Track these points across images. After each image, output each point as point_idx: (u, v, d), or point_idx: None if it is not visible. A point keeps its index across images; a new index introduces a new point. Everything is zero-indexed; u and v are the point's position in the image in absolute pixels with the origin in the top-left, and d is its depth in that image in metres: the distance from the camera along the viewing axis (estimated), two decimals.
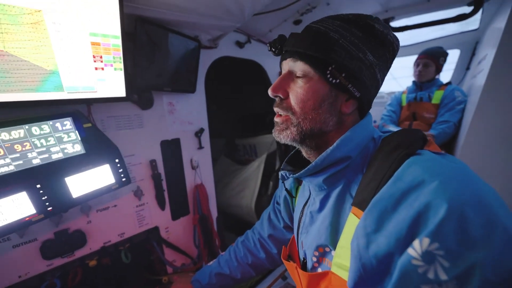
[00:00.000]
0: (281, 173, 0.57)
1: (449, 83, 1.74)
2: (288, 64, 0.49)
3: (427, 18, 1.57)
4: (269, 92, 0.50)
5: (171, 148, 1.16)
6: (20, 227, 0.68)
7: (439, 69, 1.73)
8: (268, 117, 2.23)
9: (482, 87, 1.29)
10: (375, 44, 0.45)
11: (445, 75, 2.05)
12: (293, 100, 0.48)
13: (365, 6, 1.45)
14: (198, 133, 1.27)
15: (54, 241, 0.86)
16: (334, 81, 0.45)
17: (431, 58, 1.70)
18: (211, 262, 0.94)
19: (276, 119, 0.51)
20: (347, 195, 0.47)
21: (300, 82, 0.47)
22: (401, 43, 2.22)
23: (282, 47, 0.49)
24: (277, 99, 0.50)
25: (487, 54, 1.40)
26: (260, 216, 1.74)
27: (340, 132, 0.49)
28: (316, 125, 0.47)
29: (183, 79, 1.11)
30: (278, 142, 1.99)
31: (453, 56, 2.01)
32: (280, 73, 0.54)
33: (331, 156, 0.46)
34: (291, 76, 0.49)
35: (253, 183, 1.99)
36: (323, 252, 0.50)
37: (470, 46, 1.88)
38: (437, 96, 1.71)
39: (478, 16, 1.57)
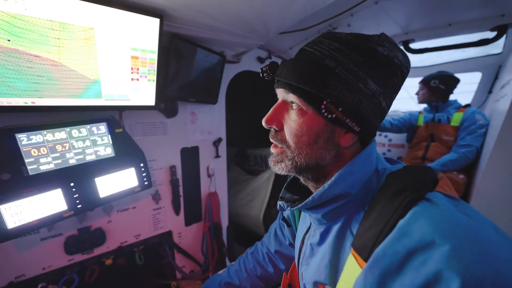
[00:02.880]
0: (279, 203, 0.54)
1: (468, 105, 1.71)
2: (282, 94, 0.46)
3: (449, 41, 1.58)
4: (263, 123, 0.47)
5: (190, 155, 1.21)
6: (53, 222, 0.74)
7: (434, 91, 1.76)
8: None
9: (506, 112, 1.26)
10: (379, 70, 0.40)
11: (465, 97, 2.02)
12: (287, 133, 0.45)
13: (385, 29, 1.48)
14: (216, 143, 1.32)
15: (77, 237, 0.90)
16: (329, 116, 0.41)
17: (422, 82, 1.82)
18: (221, 271, 0.95)
19: (272, 149, 0.49)
20: (347, 232, 0.44)
21: (293, 115, 0.44)
22: (421, 63, 2.23)
23: (273, 76, 0.47)
24: (272, 129, 0.48)
25: (511, 79, 1.37)
26: (267, 227, 1.74)
27: (338, 165, 0.45)
28: (311, 160, 0.44)
29: (207, 90, 1.17)
30: None
31: (475, 79, 1.98)
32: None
33: (329, 192, 0.43)
34: (285, 106, 0.46)
35: (263, 194, 2.00)
36: None
37: (493, 70, 1.85)
38: (456, 118, 1.68)
39: (501, 40, 1.56)
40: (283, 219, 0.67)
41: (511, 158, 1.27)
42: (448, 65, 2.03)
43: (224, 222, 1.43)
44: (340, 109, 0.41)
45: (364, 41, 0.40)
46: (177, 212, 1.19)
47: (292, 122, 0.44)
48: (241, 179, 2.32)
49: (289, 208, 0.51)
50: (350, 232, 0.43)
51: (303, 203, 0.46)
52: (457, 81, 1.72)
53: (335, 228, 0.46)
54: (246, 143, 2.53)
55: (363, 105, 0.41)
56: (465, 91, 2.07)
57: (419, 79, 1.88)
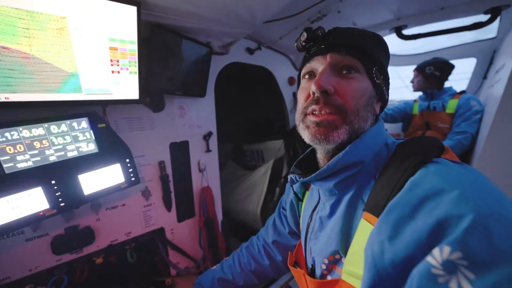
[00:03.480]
0: (290, 176, 0.56)
1: (463, 92, 1.69)
2: (333, 58, 0.46)
3: (442, 26, 1.54)
4: (314, 87, 0.44)
5: (179, 150, 1.19)
6: (34, 221, 0.71)
7: (429, 78, 1.73)
8: (277, 123, 2.24)
9: (500, 97, 1.24)
10: (387, 57, 0.52)
11: (460, 84, 1.99)
12: (345, 96, 0.44)
13: (377, 15, 1.45)
14: (207, 137, 1.29)
15: (64, 236, 0.88)
16: (377, 81, 0.47)
17: (416, 70, 1.80)
18: (214, 267, 0.94)
19: (316, 118, 0.45)
20: (359, 200, 0.46)
21: (351, 77, 0.46)
22: (415, 51, 2.20)
23: (325, 39, 0.47)
24: (322, 95, 0.45)
25: (505, 64, 1.35)
26: (265, 222, 1.73)
27: None
28: (363, 124, 0.46)
29: (194, 83, 1.14)
30: (286, 148, 1.99)
31: (469, 65, 1.96)
32: (298, 76, 0.55)
33: (344, 160, 0.45)
34: (335, 70, 0.46)
35: (260, 189, 1.99)
36: (333, 260, 0.48)
37: (488, 55, 1.83)
38: (451, 105, 1.66)
39: (495, 24, 1.53)
40: (294, 193, 0.66)
41: (505, 143, 1.26)
42: (442, 52, 2.01)
43: (219, 217, 1.42)
44: (381, 77, 0.49)
45: (378, 36, 0.51)
46: (168, 208, 1.17)
47: (352, 84, 0.46)
48: (238, 174, 2.30)
49: (301, 178, 0.52)
50: (361, 200, 0.45)
51: (317, 172, 0.47)
52: (452, 67, 1.69)
53: (346, 198, 0.47)
54: (242, 139, 2.51)
55: (388, 79, 0.51)
56: (460, 78, 2.05)
57: (413, 67, 1.86)
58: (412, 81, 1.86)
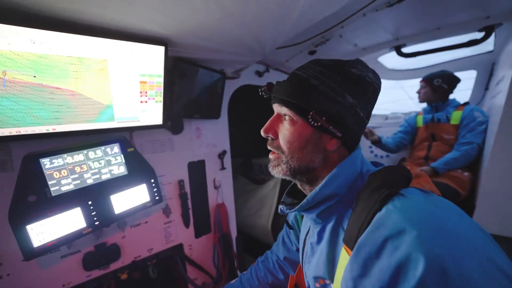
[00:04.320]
0: (280, 207, 0.61)
1: (466, 103, 1.74)
2: (277, 108, 0.55)
3: (439, 43, 1.63)
4: (262, 132, 0.56)
5: (197, 169, 1.27)
6: (74, 239, 0.79)
7: (437, 90, 1.75)
8: None
9: (503, 108, 1.29)
10: (354, 86, 0.49)
11: (463, 96, 2.04)
12: (281, 140, 0.53)
13: (376, 36, 1.55)
14: (221, 155, 1.37)
15: (94, 253, 0.95)
16: (315, 124, 0.49)
17: (424, 81, 1.80)
18: (233, 281, 0.97)
19: (270, 156, 0.57)
20: (339, 228, 0.50)
21: (286, 125, 0.53)
22: (415, 66, 2.28)
23: (270, 93, 0.56)
24: (269, 138, 0.56)
25: (504, 75, 1.41)
26: (276, 236, 1.75)
27: (327, 168, 0.52)
28: (303, 163, 0.52)
29: (210, 106, 1.24)
30: None
31: (471, 77, 2.01)
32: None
33: (320, 194, 0.50)
34: (280, 118, 0.55)
35: (270, 203, 2.01)
36: (323, 284, 0.52)
37: (487, 67, 1.89)
38: (455, 116, 1.71)
39: (491, 39, 1.60)
40: (287, 223, 0.71)
41: (511, 152, 1.29)
42: (442, 65, 2.08)
43: (233, 233, 1.46)
44: (324, 118, 0.49)
45: (341, 65, 0.51)
46: (187, 225, 1.23)
47: (285, 131, 0.53)
48: (247, 189, 2.34)
49: (288, 210, 0.58)
50: (342, 228, 0.49)
51: (299, 205, 0.53)
52: (458, 80, 1.74)
53: (329, 227, 0.52)
54: (250, 153, 2.57)
55: (343, 114, 0.49)
56: (462, 89, 2.10)
57: (416, 80, 1.93)
58: (418, 92, 1.86)
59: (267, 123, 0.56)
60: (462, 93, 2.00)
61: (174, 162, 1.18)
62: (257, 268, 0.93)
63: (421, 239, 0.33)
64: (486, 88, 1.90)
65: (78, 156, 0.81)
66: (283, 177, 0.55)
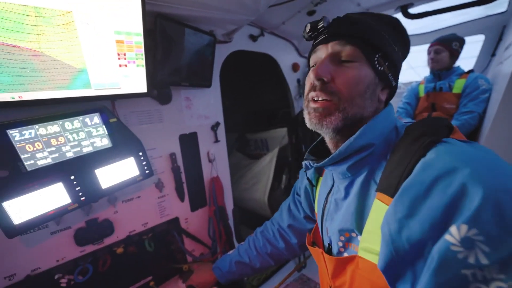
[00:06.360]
0: (304, 162, 0.58)
1: (471, 71, 1.65)
2: (333, 47, 0.48)
3: (448, 3, 1.49)
4: (312, 75, 0.48)
5: (189, 142, 1.20)
6: (59, 215, 0.74)
7: (454, 55, 1.64)
8: (280, 111, 2.23)
9: (510, 74, 1.22)
10: (402, 40, 0.51)
11: (468, 63, 1.94)
12: (341, 84, 0.47)
13: None
14: (214, 127, 1.30)
15: (85, 229, 0.92)
16: (380, 68, 0.47)
17: (442, 44, 1.63)
18: (230, 251, 0.98)
19: (314, 105, 0.49)
20: (371, 181, 0.47)
21: (349, 66, 0.47)
22: (420, 30, 2.14)
23: (326, 30, 0.49)
24: (319, 83, 0.48)
25: None
26: (273, 209, 1.76)
27: None
28: (359, 111, 0.47)
29: (199, 74, 1.13)
30: (289, 136, 1.99)
31: (477, 43, 1.90)
32: (308, 63, 0.55)
33: (355, 143, 0.47)
34: (335, 59, 0.48)
35: (266, 177, 2.01)
36: (349, 237, 0.50)
37: (497, 31, 1.77)
38: (458, 85, 1.64)
39: None
40: (308, 180, 0.69)
41: None
42: (449, 29, 1.95)
43: (229, 206, 1.45)
44: (386, 64, 0.48)
45: (387, 17, 0.51)
46: (181, 198, 1.20)
47: (347, 72, 0.47)
48: (243, 164, 2.33)
49: (315, 164, 0.54)
50: (374, 181, 0.47)
51: (330, 157, 0.49)
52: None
53: (359, 180, 0.49)
54: (245, 128, 2.52)
55: (397, 64, 0.50)
56: (466, 57, 2.00)
57: (419, 47, 1.81)
58: (432, 57, 1.67)
59: (321, 63, 0.47)
60: (465, 61, 1.90)
61: (164, 135, 1.11)
62: (255, 239, 0.93)
63: (476, 173, 0.32)
64: (493, 54, 1.80)
65: (53, 127, 0.73)
66: (332, 130, 0.48)
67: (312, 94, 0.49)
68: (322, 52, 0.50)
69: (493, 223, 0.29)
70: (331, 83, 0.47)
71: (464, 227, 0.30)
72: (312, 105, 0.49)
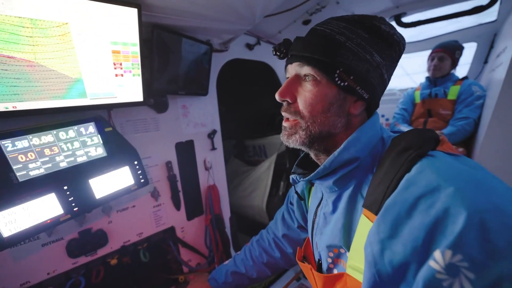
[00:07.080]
0: (291, 176, 0.57)
1: (465, 78, 1.68)
2: (295, 69, 0.49)
3: (441, 12, 1.53)
4: (277, 96, 0.49)
5: (185, 150, 1.20)
6: (50, 227, 0.73)
7: (454, 63, 1.67)
8: (278, 118, 2.23)
9: (503, 81, 1.24)
10: (382, 44, 0.45)
11: (461, 70, 1.97)
12: (301, 104, 0.47)
13: (375, 3, 1.43)
14: (211, 135, 1.30)
15: (78, 240, 0.90)
16: (342, 84, 0.44)
17: (447, 51, 1.64)
18: (226, 262, 0.96)
19: (285, 123, 0.51)
20: (358, 195, 0.47)
21: (308, 86, 0.47)
22: (414, 38, 2.18)
23: (287, 51, 0.50)
24: (284, 103, 0.50)
25: (506, 47, 1.34)
26: (271, 216, 1.74)
27: (348, 134, 0.48)
28: (324, 128, 0.47)
29: (196, 82, 1.14)
30: None
31: (470, 50, 1.94)
32: (287, 77, 0.55)
33: (339, 158, 0.46)
34: (298, 80, 0.48)
35: (264, 184, 2.00)
36: (338, 253, 0.50)
37: (488, 39, 1.81)
38: (453, 91, 1.66)
39: (496, 7, 1.51)
40: (297, 194, 0.68)
41: (508, 127, 1.26)
42: (442, 38, 1.99)
43: (226, 214, 1.44)
44: (351, 77, 0.45)
45: (368, 20, 0.45)
46: (177, 207, 1.19)
47: (306, 93, 0.47)
48: (241, 170, 2.32)
49: (301, 179, 0.53)
50: (361, 195, 0.46)
51: (315, 172, 0.49)
52: None
53: (346, 194, 0.48)
54: (243, 134, 2.52)
55: (370, 74, 0.45)
56: (460, 64, 2.03)
57: (414, 54, 1.84)
58: (435, 64, 1.66)
59: (284, 85, 0.49)
60: (458, 68, 1.94)
61: (160, 143, 1.11)
62: (251, 248, 0.91)
63: (460, 192, 0.31)
64: (485, 62, 1.84)
65: (47, 137, 0.72)
66: (299, 147, 0.50)
67: (282, 112, 0.51)
68: (289, 73, 0.51)
69: (477, 247, 0.28)
70: (295, 103, 0.48)
71: (448, 253, 0.29)
72: (283, 123, 0.51)
